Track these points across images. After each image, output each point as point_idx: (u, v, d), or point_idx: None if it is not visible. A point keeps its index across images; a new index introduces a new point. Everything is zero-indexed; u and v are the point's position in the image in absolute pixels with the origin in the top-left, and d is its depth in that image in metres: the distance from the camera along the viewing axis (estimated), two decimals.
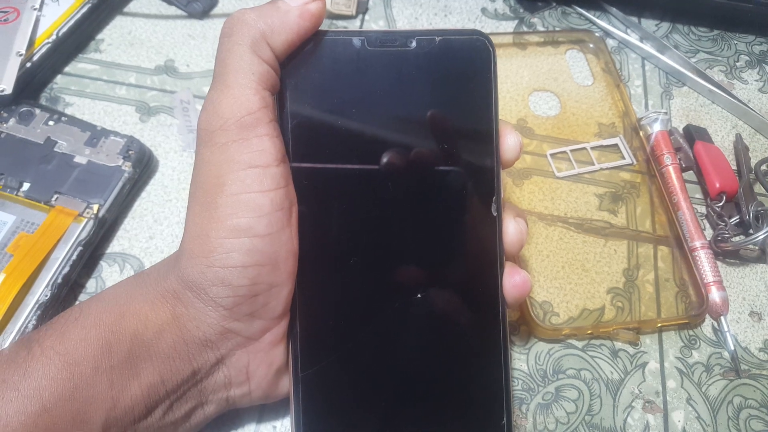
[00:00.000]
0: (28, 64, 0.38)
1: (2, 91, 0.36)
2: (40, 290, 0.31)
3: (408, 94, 0.26)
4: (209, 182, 0.24)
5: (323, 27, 0.26)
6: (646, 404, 0.32)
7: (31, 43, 0.38)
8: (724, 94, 0.43)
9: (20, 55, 0.37)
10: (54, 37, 0.39)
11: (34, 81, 0.39)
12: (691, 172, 0.40)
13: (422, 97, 0.26)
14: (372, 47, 0.26)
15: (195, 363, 0.25)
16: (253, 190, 0.23)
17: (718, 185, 0.38)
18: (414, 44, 0.26)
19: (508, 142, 0.26)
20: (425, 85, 0.26)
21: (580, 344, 0.34)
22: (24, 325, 0.30)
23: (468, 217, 0.26)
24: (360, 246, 0.26)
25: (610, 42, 0.45)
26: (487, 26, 0.45)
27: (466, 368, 0.27)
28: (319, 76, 0.26)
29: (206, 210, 0.24)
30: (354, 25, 0.44)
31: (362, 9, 0.45)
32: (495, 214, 0.26)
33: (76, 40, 0.41)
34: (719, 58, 0.46)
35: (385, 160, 0.26)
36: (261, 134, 0.24)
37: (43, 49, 0.39)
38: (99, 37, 0.42)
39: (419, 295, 0.26)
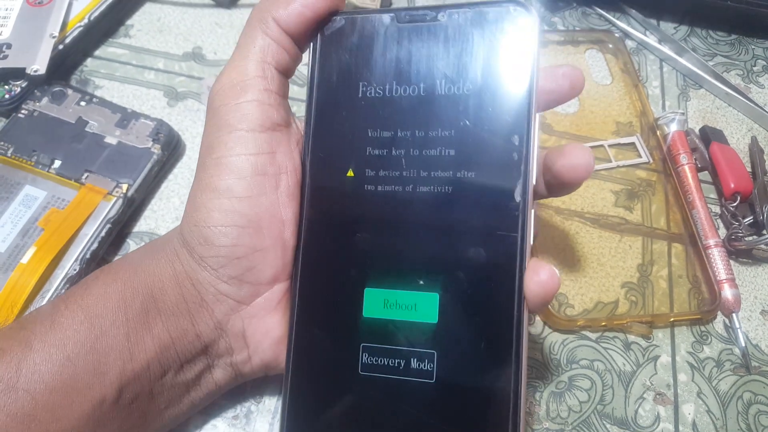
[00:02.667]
0: (61, 47, 0.39)
1: (36, 70, 0.37)
2: (69, 264, 0.32)
3: (440, 68, 0.25)
4: (203, 145, 0.26)
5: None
6: (657, 396, 0.33)
7: (64, 25, 0.39)
8: (741, 98, 0.43)
9: (53, 37, 0.38)
10: (86, 20, 0.40)
11: (65, 63, 0.40)
12: (706, 172, 0.41)
13: (454, 72, 0.25)
14: (401, 23, 0.25)
15: (197, 324, 0.26)
16: (233, 153, 0.25)
17: (732, 186, 0.38)
18: (445, 17, 0.25)
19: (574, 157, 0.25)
20: (458, 58, 0.25)
21: (593, 336, 0.34)
22: (53, 298, 0.31)
23: (487, 202, 0.24)
24: (368, 223, 0.25)
25: (629, 43, 0.46)
26: None
27: (470, 372, 0.24)
28: (348, 55, 0.26)
29: (197, 172, 0.26)
30: None
31: (387, 3, 0.46)
32: (518, 199, 0.23)
33: (107, 24, 0.42)
34: (736, 62, 0.46)
35: (405, 134, 0.25)
36: (250, 99, 0.25)
37: (75, 32, 0.40)
38: (129, 22, 0.43)
39: (421, 282, 0.24)
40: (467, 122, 0.24)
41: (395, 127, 0.25)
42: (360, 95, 0.26)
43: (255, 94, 0.25)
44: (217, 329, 0.26)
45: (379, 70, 0.25)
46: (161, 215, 0.36)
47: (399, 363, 0.24)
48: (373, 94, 0.25)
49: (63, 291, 0.31)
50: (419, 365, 0.24)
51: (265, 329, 0.27)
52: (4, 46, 0.37)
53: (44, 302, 0.31)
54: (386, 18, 0.26)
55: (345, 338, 0.25)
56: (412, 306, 0.24)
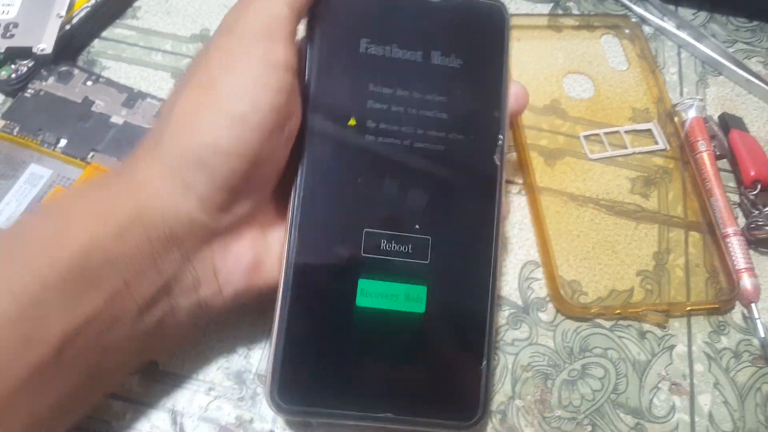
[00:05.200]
0: (68, 27, 0.38)
1: (43, 50, 0.36)
2: None
3: (428, 38, 0.28)
4: (216, 65, 0.24)
5: None
6: (673, 386, 0.32)
7: (70, 6, 0.39)
8: (762, 84, 0.42)
9: (60, 16, 0.38)
10: (93, 1, 0.40)
11: (72, 43, 0.39)
12: (725, 160, 0.40)
13: (440, 43, 0.29)
14: None
15: (160, 263, 0.24)
16: (258, 82, 0.24)
17: (753, 173, 0.37)
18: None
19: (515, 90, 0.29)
20: (444, 32, 0.29)
21: (607, 324, 0.33)
22: None
23: (469, 163, 0.29)
24: (368, 169, 0.28)
25: (646, 29, 0.45)
26: (522, 8, 0.45)
27: (451, 302, 0.28)
28: (350, 10, 0.28)
29: (204, 90, 0.24)
30: None
31: None
32: (498, 164, 0.28)
33: (114, 5, 0.42)
34: (757, 49, 0.45)
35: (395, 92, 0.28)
36: (279, 38, 0.24)
37: (82, 13, 0.39)
38: (136, 4, 0.43)
39: (416, 226, 0.28)
40: (457, 93, 0.28)
41: (395, 85, 0.28)
42: (361, 50, 0.28)
43: (284, 33, 0.25)
44: (184, 262, 0.24)
45: (380, 31, 0.28)
46: None
47: (393, 297, 0.27)
48: (374, 52, 0.28)
49: None
50: (411, 299, 0.27)
51: (235, 257, 0.26)
52: (11, 26, 0.37)
53: None
54: None
55: (343, 273, 0.27)
56: (406, 247, 0.27)
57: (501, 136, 0.29)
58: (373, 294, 0.27)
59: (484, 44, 0.29)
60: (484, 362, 0.27)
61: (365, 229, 0.27)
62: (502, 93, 0.29)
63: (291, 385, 0.26)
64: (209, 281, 0.25)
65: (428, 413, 0.27)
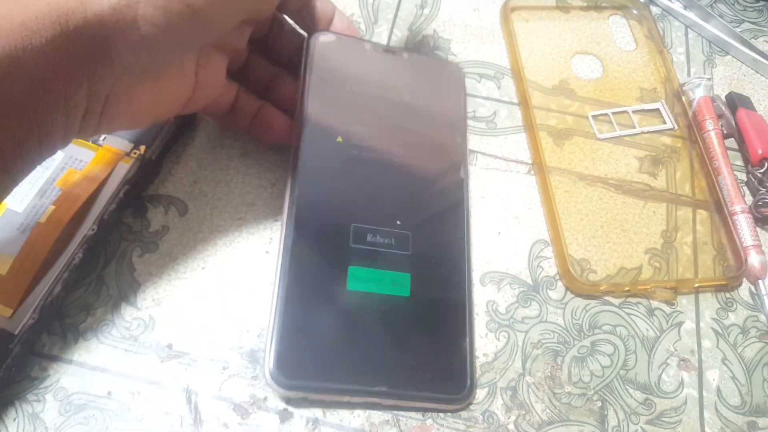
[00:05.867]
0: None
1: None
2: (88, 225, 0.32)
3: (405, 86, 0.36)
4: None
5: None
6: (681, 362, 0.32)
7: None
8: None
9: None
10: None
11: None
12: (732, 139, 0.40)
13: (413, 89, 0.36)
14: (377, 51, 0.36)
15: (70, 95, 0.23)
16: None
17: (760, 151, 0.37)
18: (406, 56, 0.37)
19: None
20: (414, 82, 0.36)
21: (616, 301, 0.34)
22: (72, 257, 0.31)
23: (439, 175, 0.34)
24: (353, 177, 0.32)
25: (654, 9, 0.45)
26: None
27: (432, 287, 0.31)
28: (338, 59, 0.34)
29: None
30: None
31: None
32: (462, 177, 0.34)
33: None
34: (764, 29, 0.45)
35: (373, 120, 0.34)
36: None
37: None
38: None
39: (397, 222, 0.32)
40: (427, 124, 0.35)
41: (376, 112, 0.34)
42: (347, 88, 0.34)
43: None
44: (87, 97, 0.24)
45: (362, 75, 0.35)
46: (179, 178, 0.35)
47: (380, 282, 0.30)
48: (357, 90, 0.34)
49: (81, 251, 0.31)
50: (397, 284, 0.30)
51: (129, 97, 0.26)
52: None
53: (63, 262, 0.30)
54: (367, 45, 0.36)
55: (335, 261, 0.30)
56: (390, 240, 0.31)
57: (463, 156, 0.35)
58: (362, 279, 0.30)
59: (445, 90, 0.37)
60: (467, 340, 0.30)
61: (353, 224, 0.31)
62: (463, 125, 0.37)
63: (288, 363, 0.28)
64: (93, 113, 0.25)
65: (419, 387, 0.29)
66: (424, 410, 0.30)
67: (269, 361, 0.27)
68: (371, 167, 0.33)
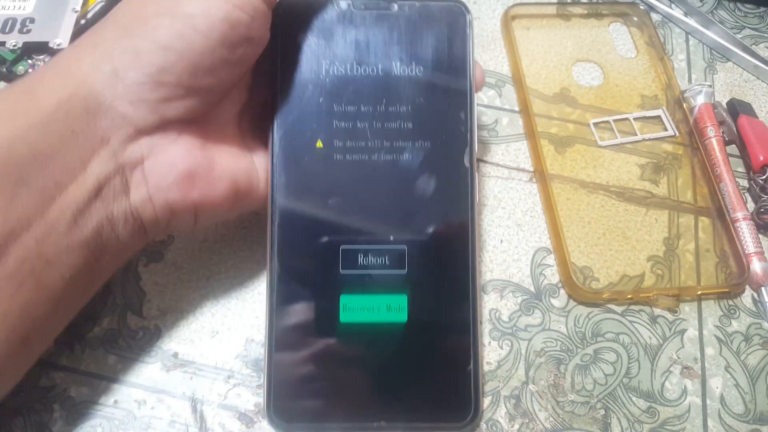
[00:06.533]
0: (83, 21, 0.39)
1: (59, 44, 0.37)
2: None
3: (395, 52, 0.29)
4: None
5: None
6: (684, 370, 0.32)
7: (85, 0, 0.39)
8: None
9: (76, 11, 0.38)
10: None
11: None
12: (734, 146, 0.40)
13: (407, 56, 0.29)
14: (356, 9, 0.29)
15: (87, 160, 0.23)
16: None
17: (761, 158, 0.37)
18: (396, 8, 0.29)
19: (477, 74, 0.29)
20: (404, 41, 0.29)
21: (619, 309, 0.34)
22: None
23: (439, 168, 0.29)
24: (339, 189, 0.29)
25: (654, 16, 0.45)
26: None
27: (432, 308, 0.28)
28: (310, 35, 0.29)
29: None
30: None
31: None
32: (468, 165, 0.29)
33: None
34: (765, 35, 0.45)
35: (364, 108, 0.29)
36: None
37: (97, 8, 0.40)
38: None
39: (390, 238, 0.28)
40: (421, 100, 0.29)
41: (357, 102, 0.29)
42: (324, 73, 0.29)
43: None
44: (111, 160, 0.24)
45: (340, 50, 0.29)
46: None
47: (375, 309, 0.28)
48: (335, 72, 0.29)
49: None
50: (393, 309, 0.28)
51: (167, 162, 0.25)
52: (28, 21, 0.38)
53: None
54: (343, 3, 0.29)
55: (325, 292, 0.28)
56: (383, 259, 0.28)
57: (469, 137, 0.29)
58: (356, 308, 0.28)
59: (446, 47, 0.29)
60: (471, 364, 0.28)
61: (341, 246, 0.28)
62: (468, 93, 0.29)
63: (285, 405, 0.27)
64: (138, 185, 0.25)
65: (420, 417, 0.28)
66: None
67: (266, 403, 0.27)
68: (358, 173, 0.28)
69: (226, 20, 0.24)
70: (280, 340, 0.27)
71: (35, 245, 0.22)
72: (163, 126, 0.25)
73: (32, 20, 0.37)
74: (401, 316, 0.28)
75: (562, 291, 0.34)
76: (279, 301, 0.28)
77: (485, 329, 0.33)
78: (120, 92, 0.23)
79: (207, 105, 0.26)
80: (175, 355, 0.31)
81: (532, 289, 0.34)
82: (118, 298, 0.32)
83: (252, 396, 0.30)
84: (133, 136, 0.24)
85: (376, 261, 0.28)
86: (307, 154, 0.28)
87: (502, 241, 0.35)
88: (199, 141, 0.26)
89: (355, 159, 0.28)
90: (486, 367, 0.32)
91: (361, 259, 0.28)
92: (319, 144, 0.28)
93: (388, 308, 0.28)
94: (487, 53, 0.42)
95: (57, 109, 0.23)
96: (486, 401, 0.31)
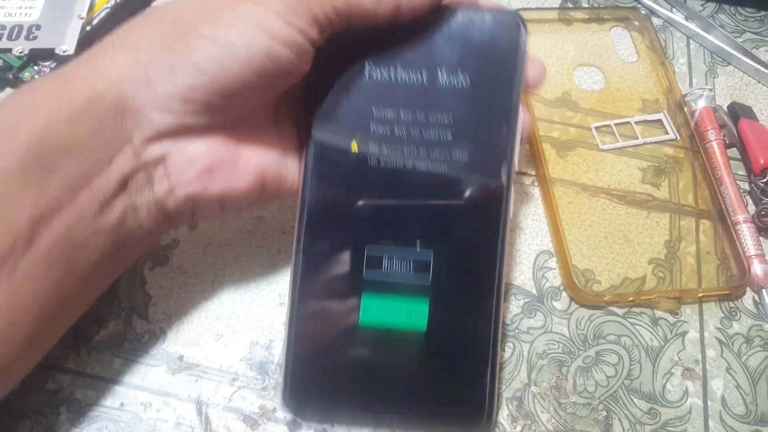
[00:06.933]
0: (88, 28, 0.39)
1: (65, 51, 0.37)
2: None
3: (433, 56, 0.28)
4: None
5: None
6: (686, 371, 0.33)
7: (91, 7, 0.40)
8: None
9: (81, 18, 0.39)
10: (112, 2, 0.41)
11: (93, 44, 0.40)
12: (735, 149, 0.40)
13: (447, 60, 0.28)
14: None
15: (112, 155, 0.24)
16: (265, 23, 0.23)
17: (762, 161, 0.38)
18: (446, 14, 0.28)
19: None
20: (452, 49, 0.28)
21: (620, 312, 0.34)
22: None
23: (473, 182, 0.28)
24: (370, 194, 0.28)
25: (655, 20, 0.45)
26: (532, 1, 0.46)
27: (454, 317, 0.28)
28: (353, 31, 0.26)
29: (207, 6, 0.24)
30: None
31: None
32: (504, 182, 0.28)
33: (133, 7, 0.42)
34: (766, 39, 0.45)
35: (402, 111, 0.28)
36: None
37: (102, 14, 0.40)
38: (155, 4, 0.44)
39: (417, 247, 0.28)
40: (464, 111, 0.28)
41: (398, 108, 0.28)
42: (365, 75, 0.28)
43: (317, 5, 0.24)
44: (135, 157, 0.24)
45: (384, 52, 0.28)
46: None
47: (396, 315, 0.28)
48: (377, 75, 0.28)
49: None
50: (413, 315, 0.28)
51: (188, 156, 0.25)
52: (34, 28, 0.38)
53: None
54: None
55: (346, 292, 0.28)
56: (408, 264, 0.28)
57: (509, 153, 0.28)
58: (376, 311, 0.28)
59: (496, 59, 0.28)
60: (489, 371, 0.28)
61: (367, 248, 0.28)
62: (512, 110, 0.28)
63: (302, 397, 0.28)
64: (161, 179, 0.25)
65: (434, 420, 0.29)
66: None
67: (283, 392, 0.28)
68: (391, 179, 0.28)
69: (267, 55, 0.24)
70: (299, 334, 0.28)
71: (65, 230, 0.23)
72: (186, 130, 0.25)
73: (38, 27, 0.38)
74: (421, 323, 0.28)
75: (564, 294, 0.34)
76: (302, 294, 0.28)
77: None
78: (149, 99, 0.24)
79: (235, 118, 0.26)
80: (181, 357, 0.31)
81: (534, 291, 0.34)
82: (123, 302, 0.33)
83: (257, 398, 0.31)
84: (155, 137, 0.25)
85: (401, 266, 0.28)
86: (341, 156, 0.28)
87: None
88: (223, 138, 0.26)
89: (389, 165, 0.28)
90: None
91: (386, 262, 0.28)
92: (354, 147, 0.28)
93: (408, 314, 0.28)
94: None
95: (88, 106, 0.23)
96: None
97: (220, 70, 0.24)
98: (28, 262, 0.23)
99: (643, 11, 0.45)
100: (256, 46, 0.24)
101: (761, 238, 0.36)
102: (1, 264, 0.22)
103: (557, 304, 0.34)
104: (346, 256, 0.28)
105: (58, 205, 0.23)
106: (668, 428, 0.31)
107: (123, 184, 0.24)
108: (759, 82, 0.43)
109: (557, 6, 0.45)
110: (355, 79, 0.28)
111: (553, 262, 0.35)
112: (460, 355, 0.28)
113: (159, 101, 0.24)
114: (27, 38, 0.37)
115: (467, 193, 0.28)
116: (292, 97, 0.29)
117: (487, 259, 0.28)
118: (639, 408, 0.31)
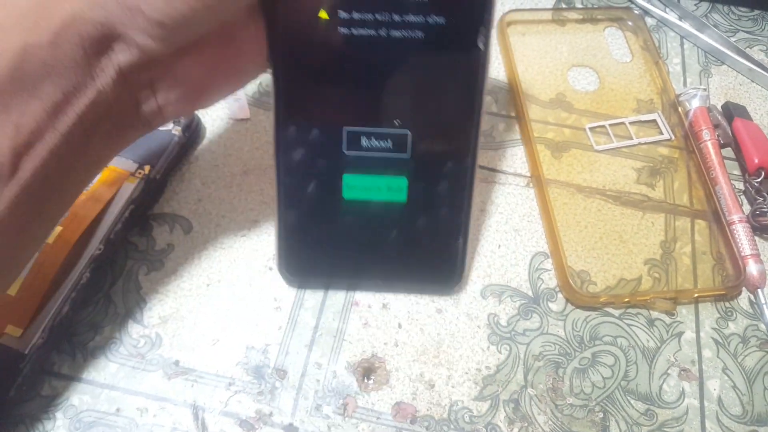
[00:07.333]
0: None
1: None
2: (95, 245, 0.32)
3: None
4: None
5: None
6: (682, 372, 0.33)
7: None
8: (765, 73, 0.43)
9: None
10: None
11: None
12: (729, 148, 0.40)
13: None
14: None
15: (97, 77, 0.23)
16: None
17: (756, 161, 0.38)
18: None
19: None
20: None
21: (616, 312, 0.34)
22: (79, 277, 0.31)
23: (451, 50, 0.27)
24: (344, 66, 0.27)
25: (649, 20, 0.45)
26: (526, 2, 0.46)
27: (431, 190, 0.30)
28: None
29: None
30: None
31: None
32: (482, 48, 0.27)
33: None
34: (759, 38, 0.46)
35: None
36: None
37: None
38: None
39: (395, 122, 0.28)
40: None
41: None
42: None
43: None
44: (120, 80, 0.24)
45: None
46: (183, 197, 0.36)
47: (376, 189, 0.30)
48: None
49: (88, 271, 0.31)
50: (393, 189, 0.30)
51: (175, 80, 0.25)
52: None
53: (72, 280, 0.31)
54: None
55: (328, 171, 0.29)
56: (386, 142, 0.29)
57: (486, 16, 0.26)
58: (357, 187, 0.30)
59: None
60: (461, 239, 0.31)
61: (345, 128, 0.28)
62: None
63: (295, 264, 0.32)
64: (149, 102, 0.25)
65: (414, 282, 0.33)
66: (417, 293, 0.34)
67: (278, 261, 0.32)
68: (364, 50, 0.26)
69: None
70: (287, 209, 0.30)
71: (49, 155, 0.23)
72: (173, 51, 0.24)
73: None
74: (401, 197, 0.30)
75: (560, 295, 0.34)
76: (285, 175, 0.29)
77: (484, 334, 0.33)
78: (131, 19, 0.22)
79: (216, 32, 0.25)
80: (177, 362, 0.31)
81: (530, 293, 0.34)
82: (119, 307, 0.32)
83: (253, 403, 0.30)
84: (142, 58, 0.24)
85: (380, 144, 0.29)
86: (309, 25, 0.26)
87: (499, 246, 0.36)
88: (209, 54, 0.25)
89: (362, 34, 0.26)
90: (485, 372, 0.32)
91: (364, 141, 0.29)
92: (323, 14, 0.25)
93: (388, 188, 0.30)
94: None
95: (67, 27, 0.22)
96: (485, 405, 0.31)
97: None
98: (12, 190, 0.22)
99: (636, 11, 0.45)
100: None
101: (756, 238, 0.36)
102: None
103: (553, 306, 0.34)
104: (324, 136, 0.29)
105: (40, 130, 0.22)
106: (665, 429, 0.31)
107: (108, 108, 0.24)
108: (753, 81, 0.43)
109: (551, 7, 0.45)
110: None
111: (548, 264, 0.35)
112: (436, 224, 0.31)
113: (139, 22, 0.23)
114: None
115: (444, 61, 0.27)
116: None
117: (464, 128, 0.29)
118: (636, 409, 0.32)
